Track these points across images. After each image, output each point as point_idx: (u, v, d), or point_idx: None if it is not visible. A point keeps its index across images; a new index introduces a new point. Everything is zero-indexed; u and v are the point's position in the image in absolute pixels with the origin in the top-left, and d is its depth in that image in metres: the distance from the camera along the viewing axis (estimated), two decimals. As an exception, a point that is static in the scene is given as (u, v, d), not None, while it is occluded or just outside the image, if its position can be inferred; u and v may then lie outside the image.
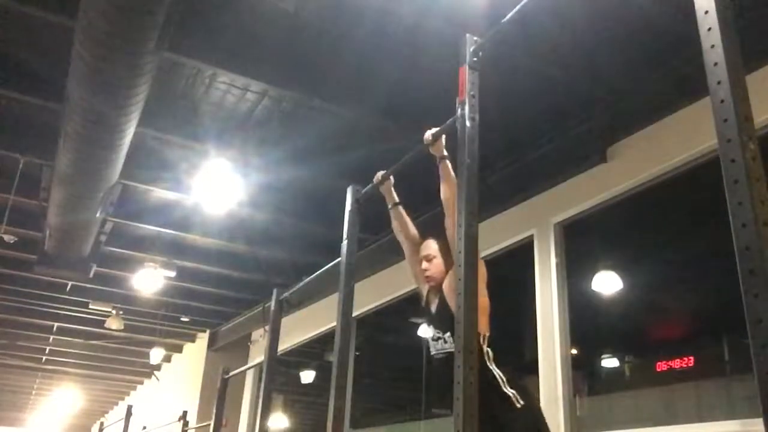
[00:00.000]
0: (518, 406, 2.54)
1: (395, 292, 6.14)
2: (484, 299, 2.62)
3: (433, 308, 2.89)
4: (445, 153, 2.62)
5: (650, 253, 4.33)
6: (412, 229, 3.09)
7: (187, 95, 4.51)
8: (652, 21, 3.40)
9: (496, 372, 2.58)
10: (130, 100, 3.76)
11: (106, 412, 20.26)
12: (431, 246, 2.91)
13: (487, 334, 2.63)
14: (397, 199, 3.07)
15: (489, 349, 2.61)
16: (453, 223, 2.36)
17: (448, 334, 2.71)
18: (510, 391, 2.55)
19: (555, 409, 4.08)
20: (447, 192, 2.66)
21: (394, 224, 3.12)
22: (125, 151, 4.49)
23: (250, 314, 8.87)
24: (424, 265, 2.90)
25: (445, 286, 2.77)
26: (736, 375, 3.65)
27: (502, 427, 2.49)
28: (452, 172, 2.58)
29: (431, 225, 5.28)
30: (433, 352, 2.86)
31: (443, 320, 2.76)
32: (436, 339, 2.82)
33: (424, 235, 3.01)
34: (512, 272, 5.13)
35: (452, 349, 2.52)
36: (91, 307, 8.96)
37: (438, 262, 2.87)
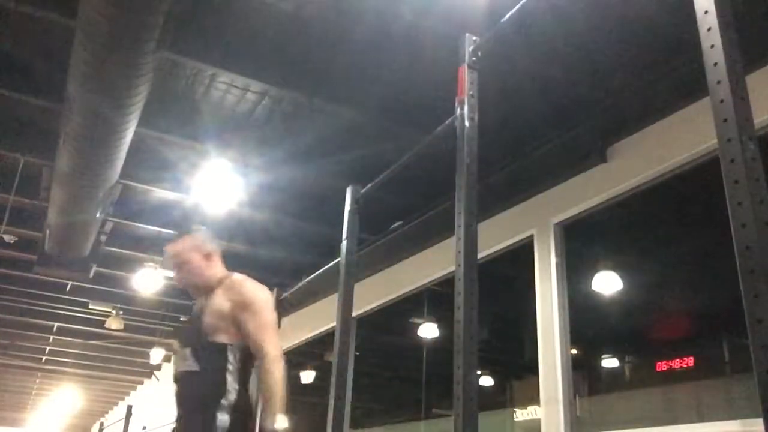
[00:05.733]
0: None
1: (395, 292, 6.15)
2: (267, 322, 2.44)
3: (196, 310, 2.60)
4: None
5: (650, 253, 4.33)
6: None
7: (187, 95, 4.51)
8: (652, 21, 3.40)
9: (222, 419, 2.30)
10: (130, 100, 3.76)
11: (106, 412, 20.24)
12: (176, 250, 2.64)
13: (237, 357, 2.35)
14: None
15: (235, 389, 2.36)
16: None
17: (189, 350, 2.44)
18: None
19: (555, 409, 4.08)
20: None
21: None
22: (125, 151, 4.48)
23: (250, 314, 8.85)
24: (178, 275, 2.64)
25: (216, 305, 2.47)
26: (736, 375, 3.65)
27: None
28: None
29: (433, 223, 5.29)
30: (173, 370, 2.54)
31: (190, 333, 2.52)
32: (175, 351, 2.53)
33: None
34: (512, 272, 5.14)
35: (190, 368, 2.40)
36: (91, 307, 8.96)
37: (191, 265, 2.59)
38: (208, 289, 2.56)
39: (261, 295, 2.51)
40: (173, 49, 3.73)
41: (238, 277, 2.60)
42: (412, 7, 3.44)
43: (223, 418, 2.27)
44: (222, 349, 2.37)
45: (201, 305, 2.54)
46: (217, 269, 2.62)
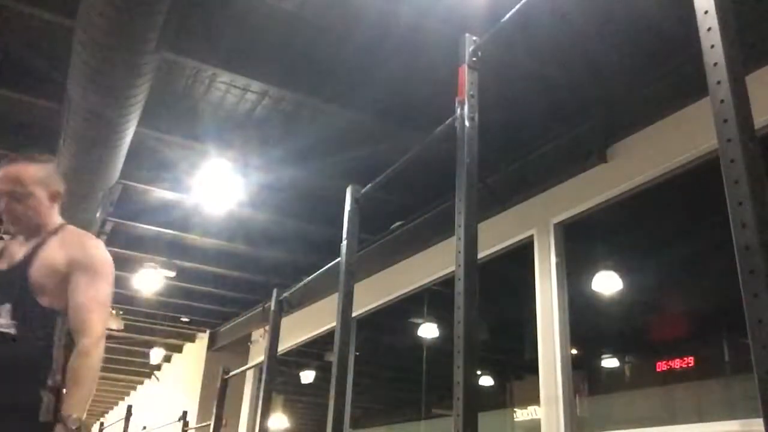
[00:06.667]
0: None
1: (395, 292, 6.15)
2: (104, 294, 2.06)
3: (4, 264, 2.09)
4: None
5: (650, 253, 4.33)
6: None
7: (187, 95, 4.51)
8: (652, 21, 3.40)
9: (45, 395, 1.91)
10: (130, 100, 3.76)
11: (106, 412, 20.25)
12: (18, 176, 2.11)
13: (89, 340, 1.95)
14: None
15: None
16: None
17: (7, 306, 1.96)
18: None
19: (555, 409, 4.08)
20: None
21: None
22: (125, 151, 4.48)
23: (250, 314, 8.87)
24: (10, 206, 2.11)
25: (50, 254, 2.05)
26: (736, 375, 3.65)
27: None
28: None
29: (433, 223, 5.29)
30: None
31: (7, 285, 2.02)
32: None
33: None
34: (512, 272, 5.14)
35: (7, 330, 1.94)
36: (91, 307, 8.94)
37: (34, 200, 2.11)
38: (40, 235, 2.12)
39: (107, 261, 2.13)
40: (173, 49, 3.73)
41: (77, 230, 2.20)
42: (412, 7, 3.44)
43: (50, 396, 1.91)
44: (50, 315, 1.99)
45: (25, 252, 2.08)
46: (56, 215, 2.20)
